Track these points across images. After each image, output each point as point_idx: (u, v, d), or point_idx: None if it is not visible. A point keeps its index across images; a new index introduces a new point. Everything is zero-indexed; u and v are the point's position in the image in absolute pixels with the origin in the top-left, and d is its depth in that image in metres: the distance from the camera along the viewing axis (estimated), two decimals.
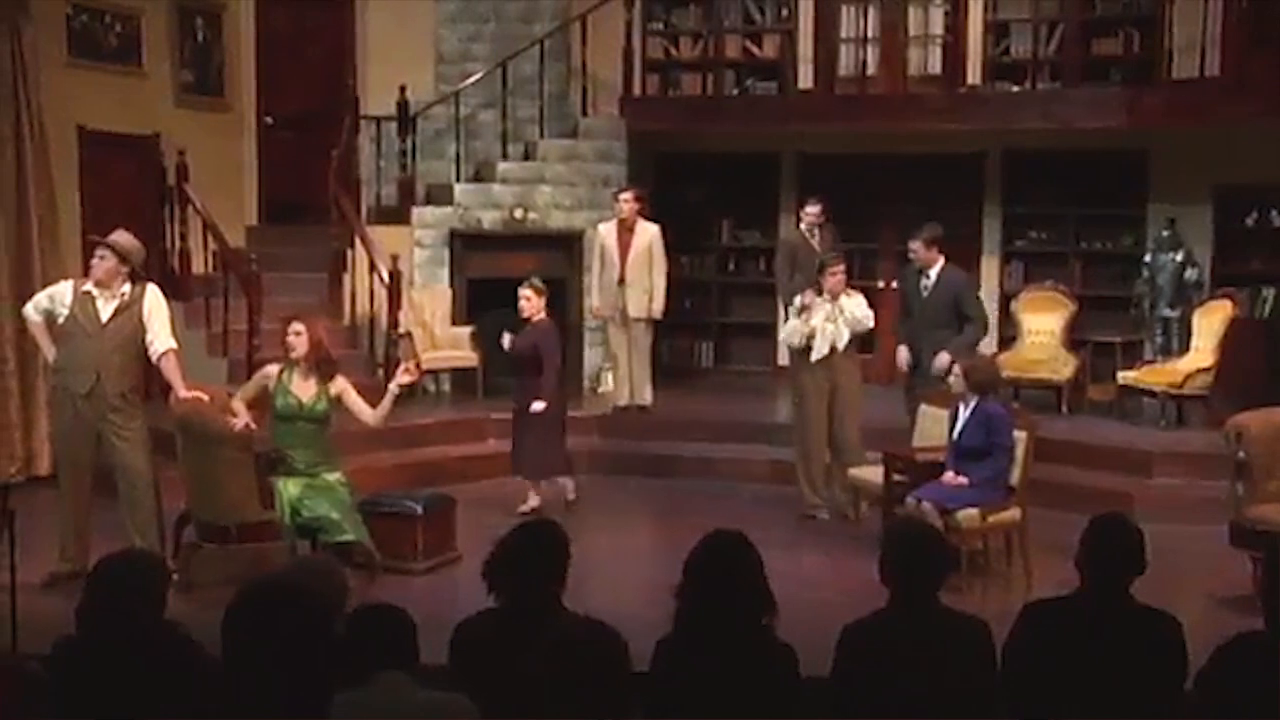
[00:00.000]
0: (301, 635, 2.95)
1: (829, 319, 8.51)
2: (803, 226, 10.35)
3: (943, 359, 8.25)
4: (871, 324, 8.64)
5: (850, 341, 8.56)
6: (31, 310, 7.08)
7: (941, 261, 8.61)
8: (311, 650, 2.98)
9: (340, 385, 7.10)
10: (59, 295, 6.97)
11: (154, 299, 6.97)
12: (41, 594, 6.37)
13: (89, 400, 6.82)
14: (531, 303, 8.45)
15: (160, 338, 6.93)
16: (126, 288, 6.90)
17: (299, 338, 6.99)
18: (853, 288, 8.84)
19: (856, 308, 8.52)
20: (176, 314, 7.72)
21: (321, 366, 7.03)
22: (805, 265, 9.52)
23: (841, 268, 8.59)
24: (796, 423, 8.91)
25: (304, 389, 6.99)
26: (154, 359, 6.98)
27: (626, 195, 10.25)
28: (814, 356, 8.54)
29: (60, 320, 6.91)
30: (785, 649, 3.83)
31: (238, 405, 7.08)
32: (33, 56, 9.29)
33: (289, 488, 6.88)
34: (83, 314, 6.85)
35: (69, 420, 6.94)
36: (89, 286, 6.90)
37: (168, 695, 3.64)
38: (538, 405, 8.20)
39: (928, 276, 8.61)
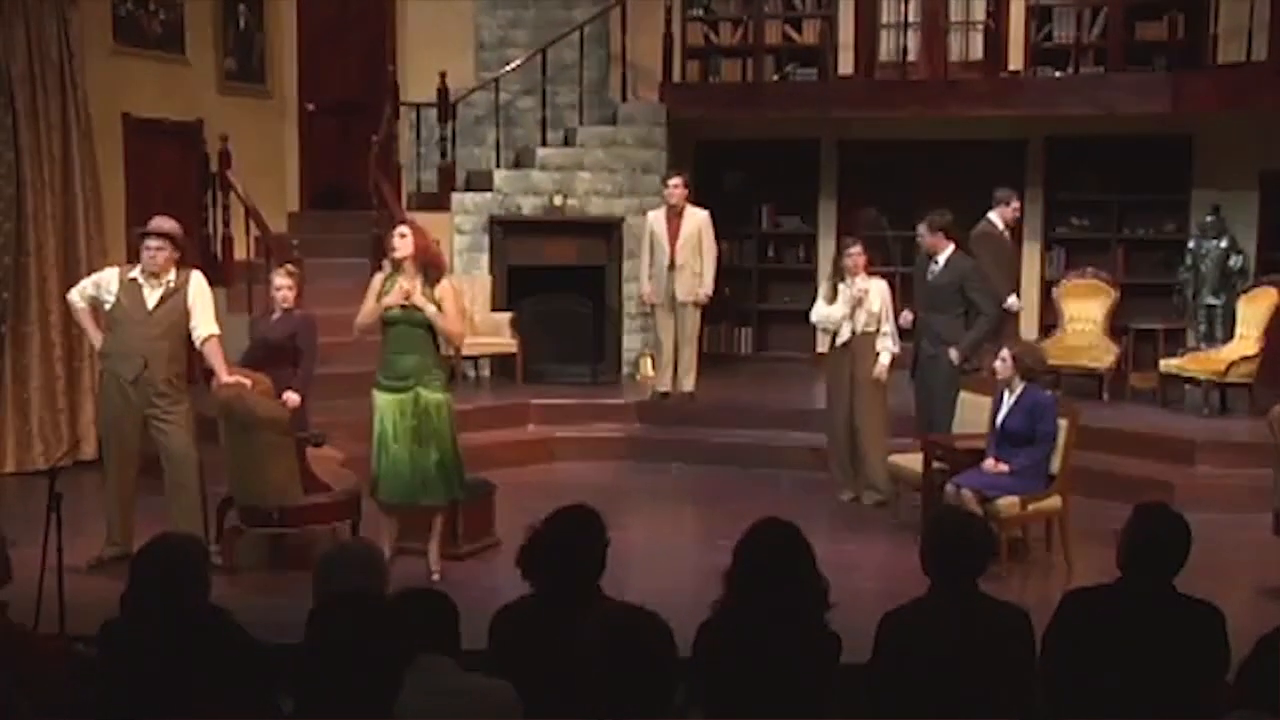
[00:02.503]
0: (385, 650, 2.98)
1: (850, 303, 8.56)
2: (994, 216, 9.87)
3: (952, 354, 8.36)
4: (875, 309, 8.55)
5: (872, 326, 8.56)
6: (76, 296, 7.14)
7: (951, 248, 8.57)
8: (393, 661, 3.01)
9: (444, 290, 6.84)
10: (104, 282, 7.03)
11: (198, 286, 7.03)
12: (90, 576, 6.46)
13: (136, 386, 6.90)
14: (292, 289, 7.59)
15: (204, 324, 6.99)
16: (172, 274, 6.97)
17: (404, 240, 6.78)
18: (888, 276, 8.83)
19: (875, 297, 8.53)
20: (219, 299, 7.77)
21: (428, 271, 6.80)
22: (1001, 258, 9.57)
23: (857, 249, 8.61)
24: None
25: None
26: (197, 344, 7.05)
27: (676, 181, 10.25)
28: (838, 341, 8.64)
29: (107, 307, 6.99)
30: (831, 636, 3.83)
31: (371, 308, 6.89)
32: (79, 44, 9.38)
33: (392, 438, 6.79)
34: (129, 301, 6.92)
35: (117, 406, 7.01)
36: (135, 274, 6.96)
37: (212, 678, 3.69)
38: (293, 397, 7.25)
39: (935, 262, 8.59)
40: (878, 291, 8.55)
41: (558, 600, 3.86)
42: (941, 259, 8.55)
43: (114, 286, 6.97)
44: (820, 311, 8.75)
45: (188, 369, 7.29)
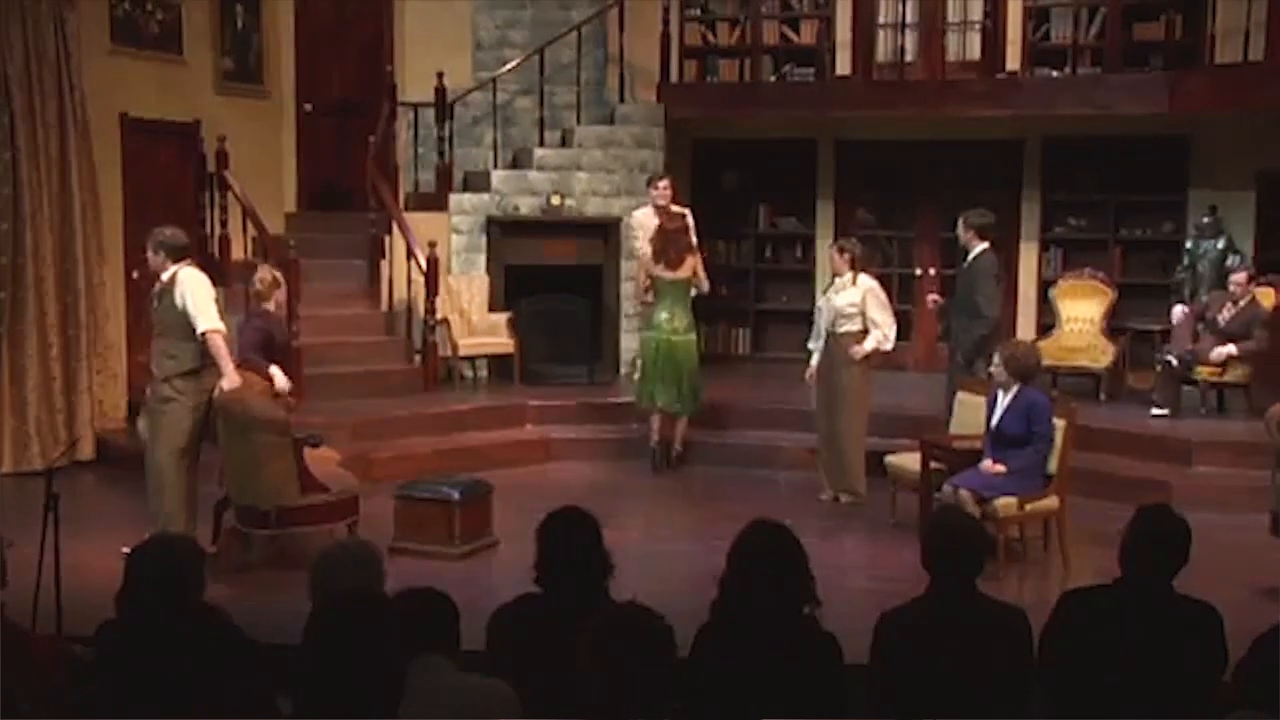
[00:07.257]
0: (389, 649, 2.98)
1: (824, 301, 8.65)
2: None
3: (959, 357, 8.54)
4: (852, 310, 8.58)
5: (849, 326, 8.59)
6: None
7: (981, 247, 8.60)
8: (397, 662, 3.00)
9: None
10: None
11: (187, 280, 6.90)
12: (85, 577, 6.44)
13: (150, 383, 7.08)
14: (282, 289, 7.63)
15: (200, 318, 6.82)
16: (168, 273, 6.96)
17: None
18: (883, 277, 8.90)
19: (839, 294, 8.61)
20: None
21: None
22: None
23: (832, 249, 8.79)
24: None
25: None
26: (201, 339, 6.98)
27: (664, 183, 10.25)
28: (814, 340, 8.77)
29: None
30: (828, 638, 3.83)
31: None
32: (76, 44, 9.38)
33: None
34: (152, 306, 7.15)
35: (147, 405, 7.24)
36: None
37: (209, 678, 3.68)
38: (284, 382, 7.41)
39: (965, 259, 8.65)
40: (858, 290, 8.58)
41: (558, 599, 3.86)
42: (970, 256, 8.60)
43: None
44: (813, 345, 8.87)
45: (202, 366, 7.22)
